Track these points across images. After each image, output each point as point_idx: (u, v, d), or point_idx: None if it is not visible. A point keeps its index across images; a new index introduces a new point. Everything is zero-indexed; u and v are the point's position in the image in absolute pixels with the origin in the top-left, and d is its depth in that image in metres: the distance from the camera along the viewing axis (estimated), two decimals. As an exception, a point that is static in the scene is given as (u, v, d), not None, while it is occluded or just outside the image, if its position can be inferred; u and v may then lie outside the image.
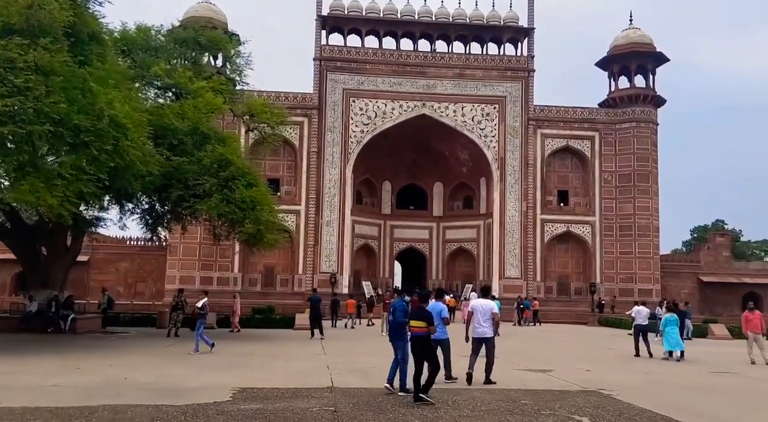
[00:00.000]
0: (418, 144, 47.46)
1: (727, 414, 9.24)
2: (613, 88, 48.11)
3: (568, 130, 46.90)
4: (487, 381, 11.12)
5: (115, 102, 15.49)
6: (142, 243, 47.16)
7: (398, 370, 10.13)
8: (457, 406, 8.95)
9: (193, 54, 25.12)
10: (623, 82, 48.03)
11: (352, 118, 45.27)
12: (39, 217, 20.75)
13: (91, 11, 19.58)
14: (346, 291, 43.45)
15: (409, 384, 9.60)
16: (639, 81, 47.74)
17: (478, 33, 47.57)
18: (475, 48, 47.94)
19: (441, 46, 47.83)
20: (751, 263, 56.36)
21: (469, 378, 11.01)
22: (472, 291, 44.89)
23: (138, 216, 22.34)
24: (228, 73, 25.79)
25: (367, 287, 45.70)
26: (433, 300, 11.12)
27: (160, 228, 23.64)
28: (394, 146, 46.74)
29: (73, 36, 17.83)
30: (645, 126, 46.52)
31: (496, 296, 40.50)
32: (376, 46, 46.96)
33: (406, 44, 47.60)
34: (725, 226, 71.67)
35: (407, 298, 12.42)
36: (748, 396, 10.98)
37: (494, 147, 46.00)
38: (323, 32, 46.24)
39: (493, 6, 47.98)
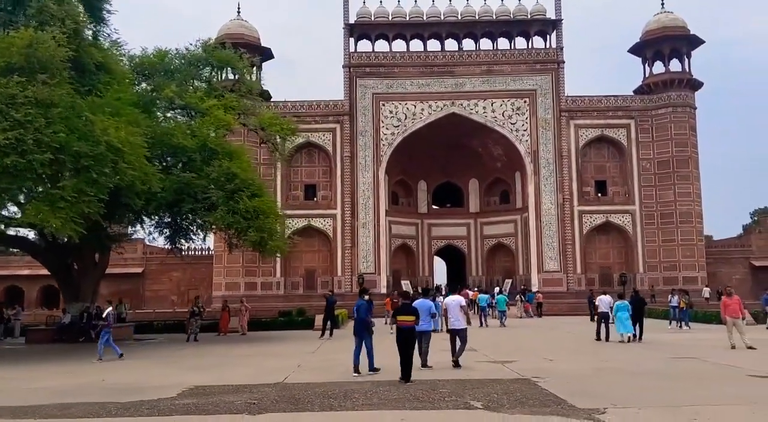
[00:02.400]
0: (451, 142, 47.86)
1: (625, 395, 9.56)
2: (647, 74, 47.23)
3: (603, 119, 46.32)
4: (456, 364, 12.93)
5: (110, 128, 16.89)
6: (194, 252, 49.56)
7: (368, 356, 12.36)
8: (367, 397, 9.70)
9: (206, 74, 26.50)
10: (658, 68, 47.11)
11: (382, 122, 46.17)
12: (48, 236, 22.43)
13: (98, 43, 21.23)
14: (384, 291, 44.40)
15: (377, 364, 12.32)
16: (676, 65, 46.68)
17: (505, 28, 47.60)
18: (502, 43, 48.02)
19: (468, 44, 48.22)
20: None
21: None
22: (509, 286, 45.28)
23: (158, 229, 23.92)
24: (241, 89, 26.96)
25: (406, 286, 46.28)
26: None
27: (182, 239, 25.04)
28: (426, 146, 47.30)
29: (79, 68, 19.48)
30: (682, 110, 45.43)
31: (531, 289, 41.00)
32: (404, 49, 47.69)
33: (434, 45, 48.11)
34: (787, 208, 68.63)
35: (366, 297, 13.55)
36: (677, 379, 11.18)
37: (526, 140, 45.95)
38: (351, 40, 47.34)
39: (519, 0, 47.88)
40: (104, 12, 22.34)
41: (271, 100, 47.68)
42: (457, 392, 9.98)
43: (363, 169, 46.05)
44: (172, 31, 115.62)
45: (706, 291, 39.09)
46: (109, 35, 23.00)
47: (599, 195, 46.64)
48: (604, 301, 20.07)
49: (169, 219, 23.26)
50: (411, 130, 46.06)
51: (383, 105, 46.39)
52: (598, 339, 19.06)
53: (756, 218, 68.14)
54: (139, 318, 32.49)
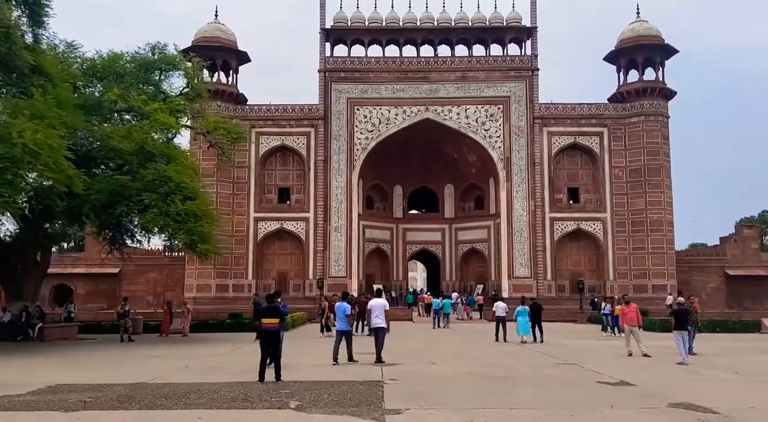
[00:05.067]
0: (427, 147, 48.09)
1: (450, 398, 9.82)
2: (621, 83, 47.28)
3: (576, 127, 46.43)
4: (378, 359, 14.45)
5: (28, 131, 17.27)
6: (170, 254, 50.05)
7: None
8: (203, 396, 9.99)
9: (156, 77, 26.90)
10: (633, 76, 47.14)
11: (356, 126, 46.47)
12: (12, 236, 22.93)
13: (37, 46, 21.65)
14: (356, 294, 44.56)
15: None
16: (651, 74, 46.68)
17: (480, 35, 47.84)
18: (478, 50, 48.28)
19: (444, 50, 48.39)
20: (784, 255, 53.73)
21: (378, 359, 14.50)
22: (482, 291, 45.52)
23: (99, 231, 24.28)
24: (189, 92, 27.30)
25: (377, 289, 46.64)
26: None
27: (123, 241, 25.41)
28: (402, 151, 47.53)
29: (9, 70, 19.90)
30: (654, 119, 45.46)
31: (502, 295, 41.28)
32: (380, 54, 47.96)
33: (410, 51, 48.41)
34: (773, 217, 68.35)
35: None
36: (526, 384, 11.46)
37: (499, 147, 46.13)
38: (327, 44, 47.70)
39: (495, 7, 48.16)
40: (44, 17, 22.67)
41: (247, 103, 48.20)
42: (295, 393, 10.27)
43: (336, 172, 46.33)
44: (157, 33, 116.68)
45: (670, 299, 39.06)
46: (47, 38, 23.56)
47: (571, 202, 46.75)
48: (500, 307, 22.57)
49: (108, 221, 23.55)
50: (385, 135, 46.32)
51: (358, 109, 46.68)
52: (497, 340, 21.60)
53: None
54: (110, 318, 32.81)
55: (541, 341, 21.32)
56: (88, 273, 49.14)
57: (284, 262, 47.18)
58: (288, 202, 47.18)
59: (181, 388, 10.86)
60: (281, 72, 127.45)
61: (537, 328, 21.68)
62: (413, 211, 53.15)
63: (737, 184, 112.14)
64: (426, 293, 44.70)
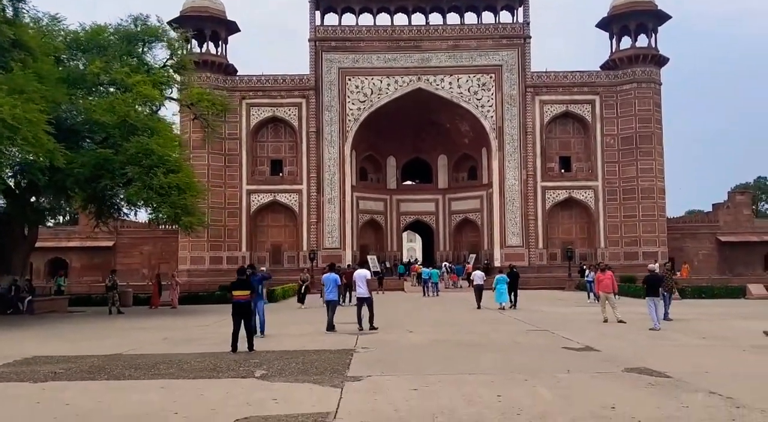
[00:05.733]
0: (420, 118, 47.96)
1: (415, 365, 9.99)
2: (614, 50, 46.88)
3: (568, 95, 46.23)
4: (372, 327, 14.97)
5: (5, 106, 17.26)
6: (164, 227, 50.16)
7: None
8: (172, 366, 10.20)
9: (139, 49, 26.72)
10: (626, 43, 46.75)
11: (348, 97, 46.26)
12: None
13: (17, 21, 21.51)
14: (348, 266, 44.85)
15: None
16: (645, 41, 46.22)
17: (472, 2, 47.27)
18: (470, 18, 47.78)
19: (435, 18, 47.95)
20: (776, 221, 54.01)
21: (360, 324, 15.08)
22: (473, 261, 45.81)
23: (81, 205, 24.40)
24: (174, 64, 27.15)
25: (372, 261, 46.82)
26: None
27: (109, 215, 25.50)
28: (395, 122, 47.40)
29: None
30: (646, 86, 45.23)
31: (494, 264, 41.61)
32: (371, 23, 47.49)
33: (401, 19, 47.95)
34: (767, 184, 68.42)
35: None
36: (494, 351, 11.62)
37: (491, 116, 46.00)
38: (317, 13, 47.24)
39: (487, -26, 47.49)
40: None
41: (237, 74, 47.88)
42: (264, 362, 10.48)
43: (329, 144, 46.26)
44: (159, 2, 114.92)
45: (655, 267, 39.18)
46: (27, 12, 23.36)
47: (563, 171, 46.78)
48: (478, 276, 23.81)
49: (95, 195, 23.64)
50: (377, 105, 46.14)
51: (349, 80, 46.43)
52: (479, 307, 22.19)
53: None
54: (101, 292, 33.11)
55: (514, 307, 22.01)
56: (82, 247, 49.39)
57: (278, 234, 47.41)
58: (281, 174, 47.22)
59: (153, 359, 11.08)
60: (272, 42, 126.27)
61: (513, 295, 22.34)
62: (407, 182, 53.18)
63: (734, 149, 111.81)
64: (418, 263, 45.05)
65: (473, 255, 47.30)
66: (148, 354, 11.83)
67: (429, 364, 10.20)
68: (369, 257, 47.39)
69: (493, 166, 46.23)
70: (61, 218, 57.11)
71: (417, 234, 65.01)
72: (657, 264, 19.44)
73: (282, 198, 46.61)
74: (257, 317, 14.54)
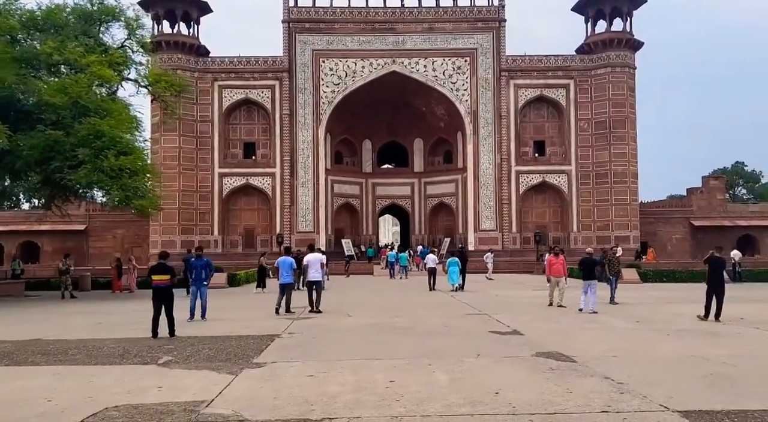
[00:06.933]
0: (396, 101, 47.68)
1: (335, 351, 9.88)
2: (589, 34, 46.68)
3: (542, 79, 46.05)
4: (317, 310, 15.53)
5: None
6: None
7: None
8: (83, 352, 10.06)
9: (96, 29, 26.27)
10: (601, 27, 46.52)
11: (322, 79, 45.87)
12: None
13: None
14: (324, 249, 44.72)
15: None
16: (620, 25, 46.01)
17: (448, -16, 46.88)
18: (445, 0, 47.35)
19: (411, 0, 47.47)
20: (750, 205, 54.29)
21: (312, 308, 15.64)
22: (447, 245, 45.82)
23: (30, 189, 24.08)
24: (132, 44, 26.72)
25: (346, 245, 46.82)
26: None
27: (61, 200, 25.19)
28: (371, 105, 47.11)
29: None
30: (621, 70, 45.12)
31: (468, 248, 41.61)
32: (345, 4, 46.96)
33: (376, 1, 47.42)
34: (745, 169, 68.75)
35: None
36: (422, 335, 11.60)
37: (466, 100, 45.78)
38: (291, -6, 46.63)
39: (463, -45, 47.01)
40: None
41: (209, 55, 47.31)
42: (178, 348, 10.37)
43: (302, 127, 45.93)
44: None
45: (619, 250, 39.35)
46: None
47: (537, 155, 46.73)
48: (430, 259, 24.85)
49: (49, 178, 23.31)
50: (351, 88, 45.79)
51: (323, 62, 46.00)
52: (432, 289, 23.28)
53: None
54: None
55: (462, 288, 22.84)
56: (54, 230, 48.91)
57: (251, 218, 47.17)
58: (253, 157, 46.88)
59: (69, 344, 10.93)
60: (248, 25, 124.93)
61: (462, 277, 23.02)
62: (384, 166, 52.96)
63: (713, 135, 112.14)
64: (394, 248, 45.01)
65: (448, 239, 47.31)
66: (68, 339, 11.66)
67: (347, 350, 10.11)
68: (344, 240, 47.36)
69: (468, 150, 46.11)
70: (35, 201, 56.53)
71: (394, 218, 64.95)
72: (588, 248, 19.42)
73: (255, 181, 46.30)
74: (199, 301, 14.50)
